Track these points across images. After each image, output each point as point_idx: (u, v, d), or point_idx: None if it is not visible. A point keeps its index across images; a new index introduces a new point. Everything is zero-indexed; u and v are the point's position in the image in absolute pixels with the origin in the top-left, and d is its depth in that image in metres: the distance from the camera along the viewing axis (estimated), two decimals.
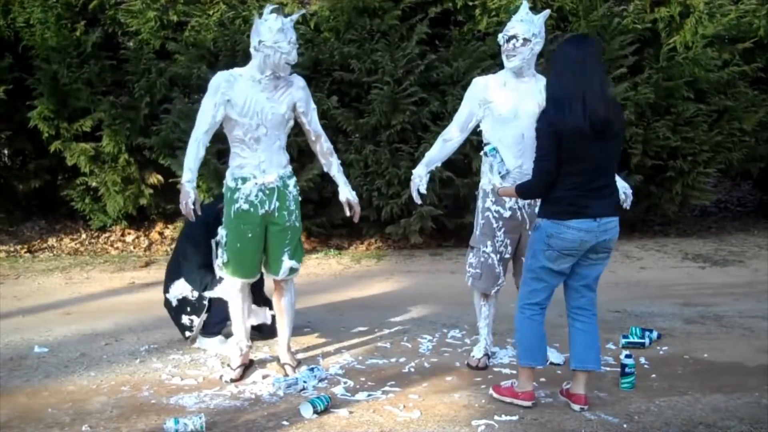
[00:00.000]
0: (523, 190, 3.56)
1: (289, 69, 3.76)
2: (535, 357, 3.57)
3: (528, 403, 3.55)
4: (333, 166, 4.04)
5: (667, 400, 3.64)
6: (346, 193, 4.01)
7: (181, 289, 4.33)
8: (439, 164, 4.17)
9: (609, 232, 3.40)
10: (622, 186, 3.96)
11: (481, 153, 3.92)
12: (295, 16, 3.81)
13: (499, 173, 3.75)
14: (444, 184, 6.67)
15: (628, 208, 3.98)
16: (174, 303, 4.38)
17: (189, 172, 3.75)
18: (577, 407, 3.55)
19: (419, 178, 4.02)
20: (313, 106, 3.95)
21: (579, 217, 3.33)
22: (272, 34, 3.66)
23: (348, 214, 4.07)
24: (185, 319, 4.37)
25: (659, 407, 3.57)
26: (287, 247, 3.91)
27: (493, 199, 3.97)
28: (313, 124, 3.95)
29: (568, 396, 3.62)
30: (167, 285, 4.41)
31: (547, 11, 4.06)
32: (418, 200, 4.09)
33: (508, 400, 3.60)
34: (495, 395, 3.66)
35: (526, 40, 3.80)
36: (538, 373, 3.92)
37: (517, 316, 3.58)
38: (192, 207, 3.74)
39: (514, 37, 3.80)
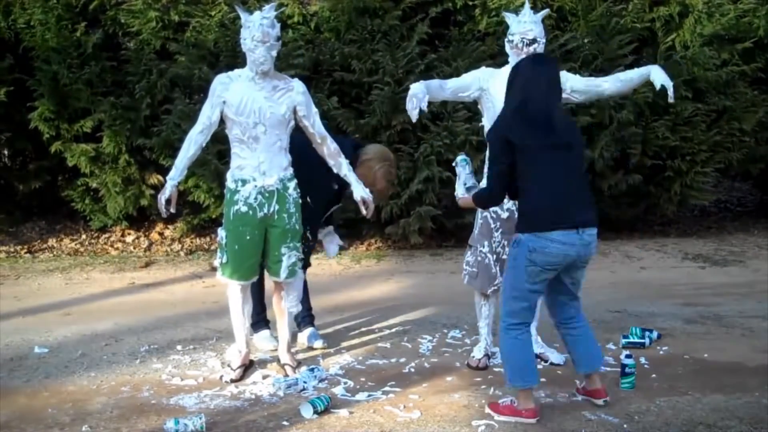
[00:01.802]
0: (480, 198, 3.52)
1: (266, 66, 3.71)
2: (529, 377, 3.40)
3: (533, 421, 3.36)
4: (342, 166, 3.95)
5: (667, 400, 3.64)
6: (359, 191, 3.93)
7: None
8: (428, 97, 3.92)
9: (590, 246, 3.32)
10: (662, 78, 3.82)
11: (453, 163, 3.84)
12: (270, 13, 3.73)
13: (465, 184, 3.68)
14: (443, 184, 6.67)
15: (672, 101, 3.92)
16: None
17: (175, 170, 3.80)
18: (600, 401, 3.53)
19: (422, 93, 3.84)
20: (314, 109, 3.92)
21: (561, 228, 3.24)
22: (243, 30, 3.74)
23: (363, 212, 3.98)
24: None
25: (659, 407, 3.56)
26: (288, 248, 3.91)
27: None
28: (316, 127, 3.91)
29: (587, 393, 3.59)
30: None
31: (547, 10, 4.06)
32: (415, 117, 3.89)
33: (513, 420, 3.37)
34: (495, 415, 3.42)
35: (542, 42, 3.82)
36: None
37: (502, 337, 3.43)
38: (163, 203, 3.76)
39: (534, 41, 3.80)
